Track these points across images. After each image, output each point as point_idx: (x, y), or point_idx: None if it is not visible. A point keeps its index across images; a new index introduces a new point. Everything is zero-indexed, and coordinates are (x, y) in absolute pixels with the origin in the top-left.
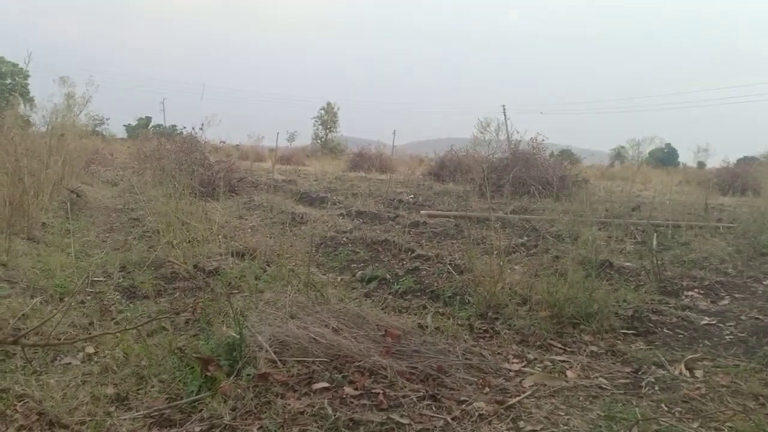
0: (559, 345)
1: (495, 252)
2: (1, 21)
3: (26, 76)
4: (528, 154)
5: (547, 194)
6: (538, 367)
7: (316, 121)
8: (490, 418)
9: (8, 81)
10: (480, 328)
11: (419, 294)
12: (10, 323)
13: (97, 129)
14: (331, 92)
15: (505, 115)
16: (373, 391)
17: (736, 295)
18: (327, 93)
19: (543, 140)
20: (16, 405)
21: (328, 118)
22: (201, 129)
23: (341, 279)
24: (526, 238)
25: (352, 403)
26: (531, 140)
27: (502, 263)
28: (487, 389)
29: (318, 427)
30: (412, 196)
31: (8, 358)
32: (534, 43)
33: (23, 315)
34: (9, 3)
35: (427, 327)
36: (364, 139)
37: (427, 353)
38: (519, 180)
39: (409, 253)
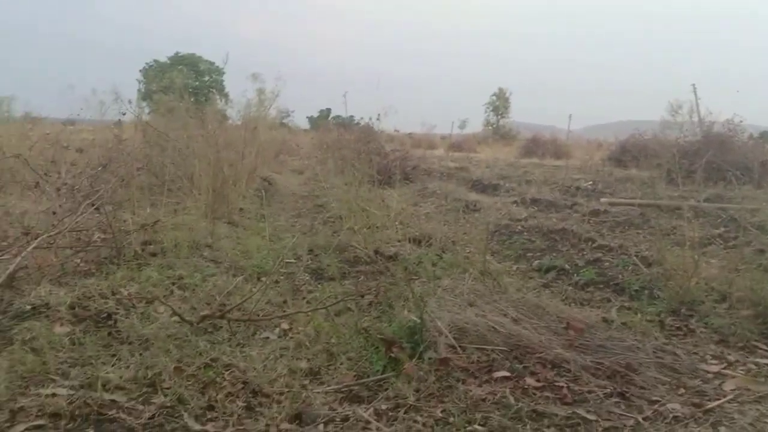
0: (765, 347)
1: (688, 243)
2: (198, 25)
3: (221, 74)
4: (723, 136)
5: (747, 181)
6: (741, 370)
7: (488, 108)
8: (686, 421)
9: (206, 78)
10: (672, 326)
11: (602, 286)
12: (217, 299)
13: (283, 121)
14: (505, 76)
15: (695, 95)
16: (556, 384)
17: None
18: (501, 77)
19: (740, 121)
20: (224, 374)
21: (500, 103)
22: (378, 119)
23: (517, 268)
24: (723, 229)
25: (534, 394)
26: (726, 122)
27: (696, 256)
28: (682, 390)
29: (501, 415)
30: (591, 182)
31: (216, 330)
32: (722, 20)
33: (228, 293)
34: (205, 8)
35: (612, 321)
36: (537, 124)
37: (614, 349)
38: (713, 165)
39: (590, 243)
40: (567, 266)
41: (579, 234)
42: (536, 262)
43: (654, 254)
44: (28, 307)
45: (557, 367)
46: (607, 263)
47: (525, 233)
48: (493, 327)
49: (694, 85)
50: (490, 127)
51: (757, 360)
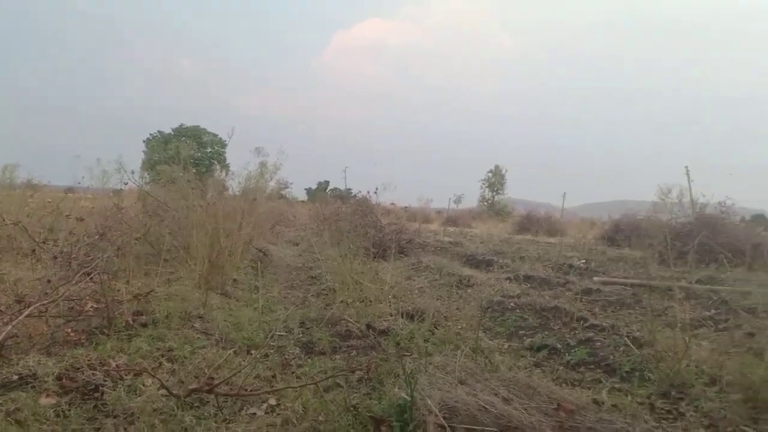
0: None
1: (679, 325)
2: (204, 99)
3: (223, 145)
4: (715, 218)
5: (738, 263)
6: None
7: (483, 184)
8: None
9: (208, 150)
10: (662, 408)
11: (593, 367)
12: (206, 373)
13: (281, 192)
14: (503, 156)
15: (688, 176)
16: None
17: None
18: (498, 156)
19: (732, 204)
20: None
21: (495, 180)
22: (375, 193)
23: (509, 346)
24: (714, 311)
25: None
26: (718, 204)
27: (687, 338)
28: None
29: None
30: (584, 261)
31: (203, 405)
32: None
33: (217, 366)
34: (212, 84)
35: (602, 403)
36: (532, 201)
37: (604, 431)
38: (705, 247)
39: (582, 322)
40: (559, 345)
41: (571, 313)
42: (528, 340)
43: (645, 335)
44: (15, 377)
45: None
46: (599, 343)
47: (517, 310)
48: (483, 407)
49: (687, 167)
50: (485, 203)
51: None
